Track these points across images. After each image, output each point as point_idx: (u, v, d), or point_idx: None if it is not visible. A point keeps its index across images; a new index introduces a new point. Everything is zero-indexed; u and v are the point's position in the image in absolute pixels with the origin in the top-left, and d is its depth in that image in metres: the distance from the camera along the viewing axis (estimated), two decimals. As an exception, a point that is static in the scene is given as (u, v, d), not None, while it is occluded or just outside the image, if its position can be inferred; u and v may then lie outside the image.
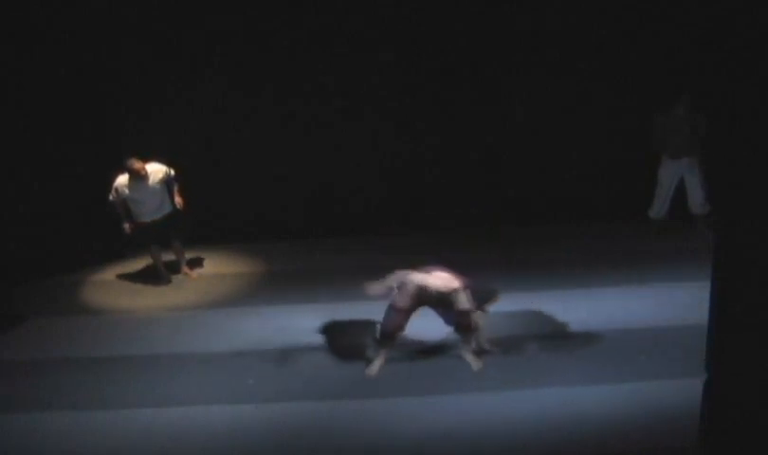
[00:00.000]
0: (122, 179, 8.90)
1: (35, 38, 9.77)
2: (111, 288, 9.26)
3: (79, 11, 9.80)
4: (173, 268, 9.43)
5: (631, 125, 9.88)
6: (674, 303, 7.89)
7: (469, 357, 7.12)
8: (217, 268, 9.60)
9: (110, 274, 9.60)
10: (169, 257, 9.42)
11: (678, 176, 9.58)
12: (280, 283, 9.12)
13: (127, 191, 8.88)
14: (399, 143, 10.39)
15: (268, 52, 10.09)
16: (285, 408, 6.71)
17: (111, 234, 9.32)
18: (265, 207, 10.29)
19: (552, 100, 10.19)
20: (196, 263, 9.67)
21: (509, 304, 7.86)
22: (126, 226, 9.01)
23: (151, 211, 9.04)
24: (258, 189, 10.30)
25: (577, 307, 7.76)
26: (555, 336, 7.19)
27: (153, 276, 9.38)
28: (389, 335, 7.17)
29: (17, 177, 9.84)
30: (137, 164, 8.79)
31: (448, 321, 7.24)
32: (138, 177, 8.83)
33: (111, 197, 8.95)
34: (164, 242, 9.29)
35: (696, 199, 9.55)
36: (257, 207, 10.26)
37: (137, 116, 10.18)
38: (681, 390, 6.44)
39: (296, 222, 10.42)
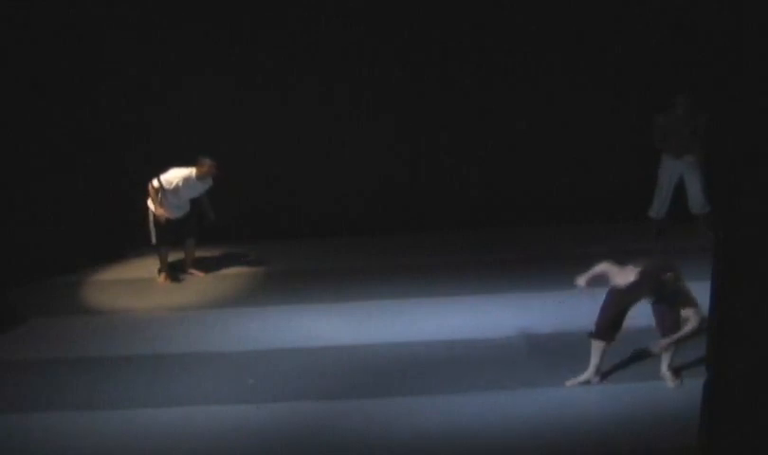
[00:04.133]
0: (184, 173, 8.97)
1: (35, 38, 9.76)
2: (111, 288, 9.25)
3: (79, 11, 9.79)
4: (179, 267, 9.43)
5: (631, 125, 9.87)
6: (674, 303, 7.87)
7: (667, 375, 6.74)
8: (217, 268, 9.60)
9: (110, 274, 9.60)
10: (174, 256, 9.41)
11: (678, 176, 9.57)
12: (280, 283, 9.12)
13: (181, 184, 8.96)
14: (399, 143, 10.39)
15: (268, 52, 10.08)
16: (285, 408, 6.71)
17: (111, 234, 9.31)
18: (264, 207, 10.28)
19: (552, 100, 10.18)
20: (199, 262, 9.65)
21: (509, 304, 7.86)
22: (161, 212, 8.97)
23: (177, 209, 9.10)
24: (258, 189, 10.29)
25: (577, 307, 7.74)
26: (555, 336, 7.19)
27: (153, 276, 9.38)
28: (607, 326, 6.74)
29: (17, 177, 9.83)
30: (213, 164, 8.96)
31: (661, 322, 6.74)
32: (203, 178, 9.01)
33: (158, 183, 8.92)
34: (178, 239, 9.30)
35: (696, 199, 9.55)
36: (256, 207, 10.25)
37: (137, 116, 10.17)
38: (681, 390, 6.46)
39: (296, 222, 10.41)
